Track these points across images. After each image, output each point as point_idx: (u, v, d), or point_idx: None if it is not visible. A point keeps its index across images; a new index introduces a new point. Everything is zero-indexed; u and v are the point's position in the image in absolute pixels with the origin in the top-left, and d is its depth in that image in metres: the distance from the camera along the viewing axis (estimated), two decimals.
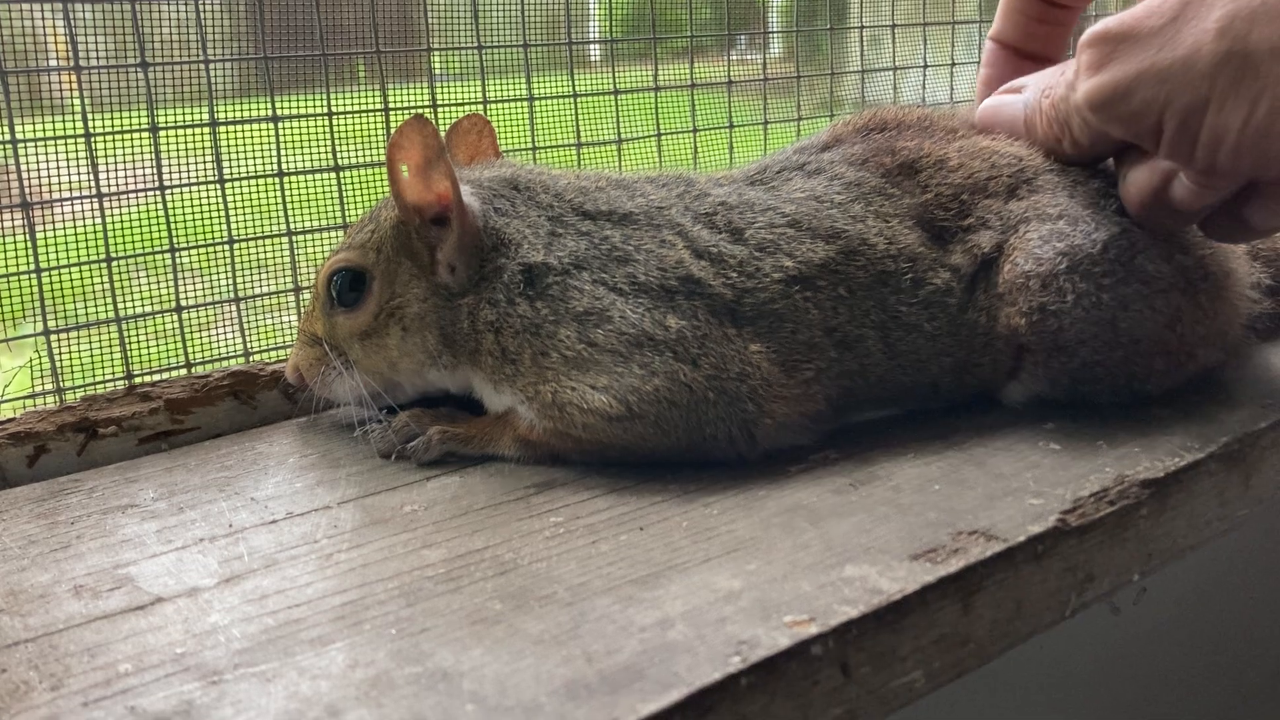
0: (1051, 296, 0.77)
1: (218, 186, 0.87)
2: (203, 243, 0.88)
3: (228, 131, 0.87)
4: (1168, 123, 0.70)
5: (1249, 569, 1.19)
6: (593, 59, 1.17)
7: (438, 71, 0.99)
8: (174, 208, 0.86)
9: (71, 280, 0.82)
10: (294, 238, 0.91)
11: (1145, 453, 0.73)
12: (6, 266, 0.80)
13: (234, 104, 0.89)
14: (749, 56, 1.24)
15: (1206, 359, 0.83)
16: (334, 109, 0.91)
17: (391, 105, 0.93)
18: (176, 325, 0.87)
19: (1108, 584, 0.69)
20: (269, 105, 0.88)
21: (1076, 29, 0.92)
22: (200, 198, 0.88)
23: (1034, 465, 0.72)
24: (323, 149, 0.92)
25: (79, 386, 0.84)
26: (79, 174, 0.81)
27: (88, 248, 0.83)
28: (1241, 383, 0.85)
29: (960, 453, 0.75)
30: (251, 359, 0.90)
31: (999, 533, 0.63)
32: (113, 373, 0.85)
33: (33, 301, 0.81)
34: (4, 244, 0.80)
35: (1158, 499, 0.70)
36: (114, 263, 0.83)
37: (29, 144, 0.79)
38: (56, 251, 0.82)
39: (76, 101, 0.82)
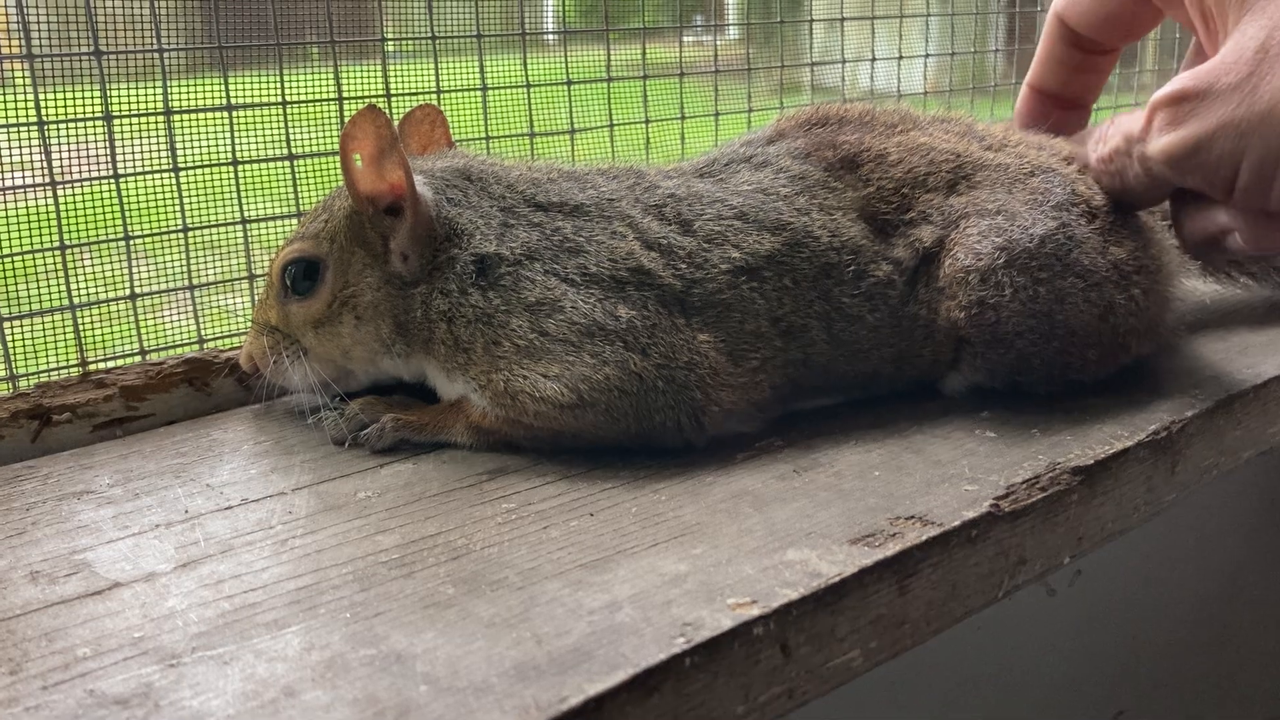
0: (990, 291, 0.79)
1: (172, 174, 0.87)
2: (157, 230, 0.88)
3: (181, 117, 0.87)
4: (1244, 174, 0.73)
5: (1177, 553, 1.24)
6: (548, 40, 1.18)
7: (391, 50, 1.00)
8: (127, 192, 0.86)
9: (25, 265, 0.82)
10: (248, 225, 0.92)
11: (1077, 440, 0.76)
12: None
13: (186, 82, 0.89)
14: (704, 39, 1.26)
15: (1139, 349, 0.86)
16: (288, 94, 0.91)
17: (346, 93, 0.93)
18: (130, 311, 0.87)
19: (1039, 567, 0.71)
20: (223, 91, 0.88)
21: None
22: (154, 183, 0.88)
23: (970, 452, 0.75)
24: (277, 135, 0.92)
25: (32, 373, 0.84)
26: (31, 157, 0.81)
27: (39, 229, 0.83)
28: (1171, 373, 0.89)
29: (900, 440, 0.77)
30: (206, 346, 0.91)
31: (935, 518, 0.66)
32: (66, 359, 0.85)
33: None
34: None
35: (1088, 485, 0.73)
36: (68, 250, 0.83)
37: None
38: (9, 235, 0.81)
39: (19, 78, 0.81)
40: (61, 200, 0.82)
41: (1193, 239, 0.82)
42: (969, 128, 0.89)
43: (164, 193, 0.88)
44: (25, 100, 0.80)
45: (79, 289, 0.85)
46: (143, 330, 0.88)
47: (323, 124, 0.96)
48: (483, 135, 1.03)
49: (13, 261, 0.82)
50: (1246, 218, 0.78)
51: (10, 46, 0.81)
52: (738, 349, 0.77)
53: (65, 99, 0.83)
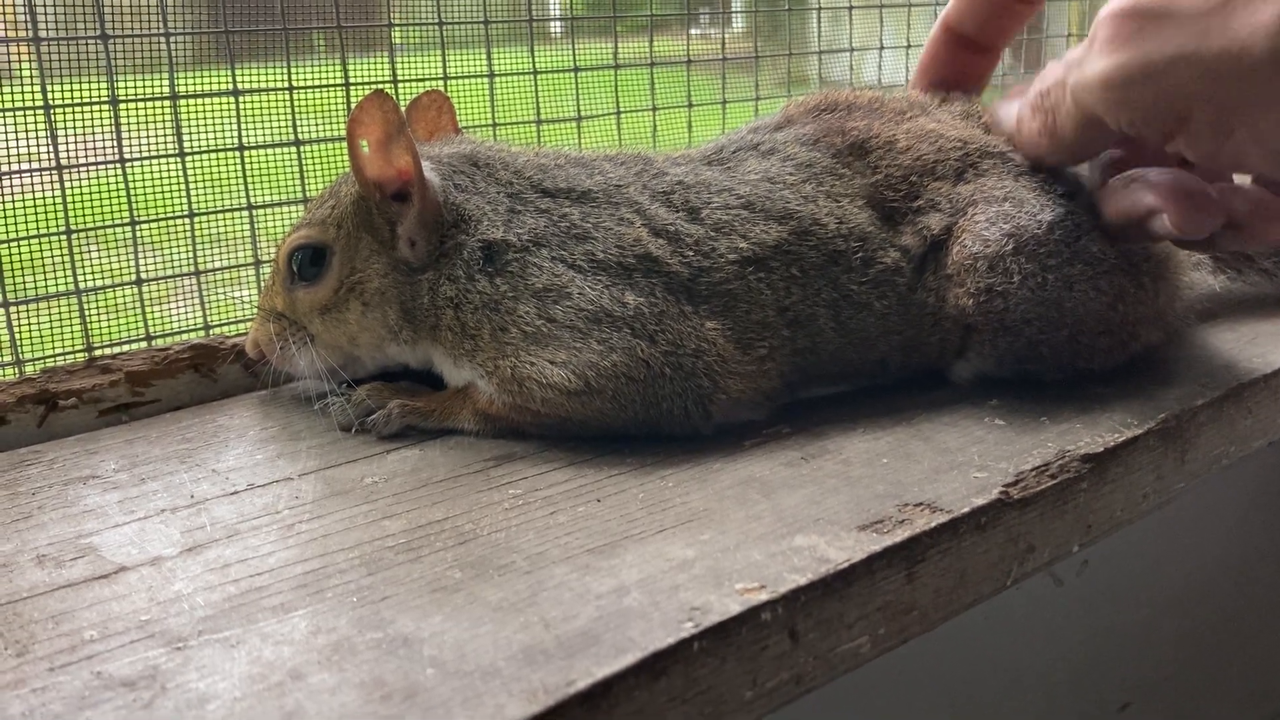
0: (999, 278, 0.79)
1: (178, 159, 0.87)
2: (163, 216, 0.88)
3: (188, 104, 0.87)
4: (1198, 115, 0.64)
5: (1187, 544, 1.23)
6: (554, 33, 1.18)
7: (398, 43, 1.00)
8: (133, 179, 0.86)
9: (31, 251, 0.82)
10: (254, 211, 0.92)
11: (1086, 428, 0.76)
12: None
13: (192, 73, 0.89)
14: (710, 32, 1.26)
15: (1147, 338, 0.86)
16: (294, 82, 0.91)
17: (352, 80, 0.93)
18: (136, 298, 0.87)
19: (1048, 555, 0.71)
20: (229, 77, 0.88)
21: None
22: (160, 170, 0.88)
23: (979, 440, 0.75)
24: (283, 122, 0.92)
25: (38, 359, 0.84)
26: (37, 145, 0.81)
27: (45, 219, 0.83)
28: (1180, 362, 0.88)
29: (908, 428, 0.77)
30: (211, 332, 0.91)
31: (943, 504, 0.66)
32: (72, 345, 0.85)
33: None
34: None
35: (1097, 473, 0.72)
36: (74, 235, 0.83)
37: None
38: (16, 222, 0.81)
39: (25, 68, 0.81)
40: (68, 189, 0.82)
41: (1115, 218, 0.77)
42: (968, 110, 0.88)
43: (170, 182, 0.88)
44: (32, 88, 0.80)
45: (85, 276, 0.85)
46: (149, 321, 0.88)
47: (329, 112, 0.95)
48: (489, 122, 1.02)
49: (19, 249, 0.82)
50: (1176, 198, 0.71)
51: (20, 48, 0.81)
52: (745, 338, 0.77)
53: (72, 90, 0.83)
